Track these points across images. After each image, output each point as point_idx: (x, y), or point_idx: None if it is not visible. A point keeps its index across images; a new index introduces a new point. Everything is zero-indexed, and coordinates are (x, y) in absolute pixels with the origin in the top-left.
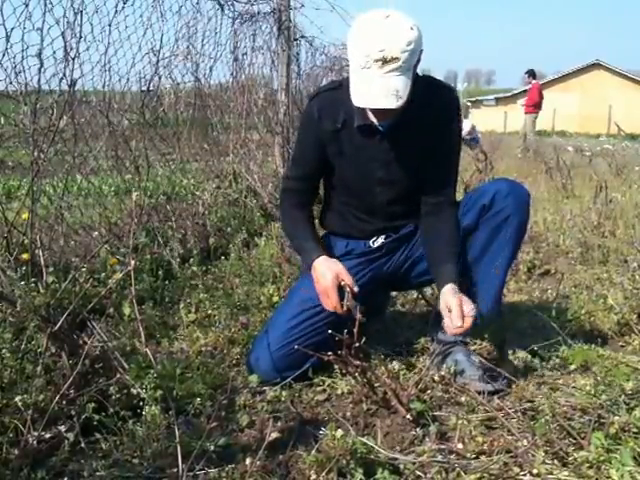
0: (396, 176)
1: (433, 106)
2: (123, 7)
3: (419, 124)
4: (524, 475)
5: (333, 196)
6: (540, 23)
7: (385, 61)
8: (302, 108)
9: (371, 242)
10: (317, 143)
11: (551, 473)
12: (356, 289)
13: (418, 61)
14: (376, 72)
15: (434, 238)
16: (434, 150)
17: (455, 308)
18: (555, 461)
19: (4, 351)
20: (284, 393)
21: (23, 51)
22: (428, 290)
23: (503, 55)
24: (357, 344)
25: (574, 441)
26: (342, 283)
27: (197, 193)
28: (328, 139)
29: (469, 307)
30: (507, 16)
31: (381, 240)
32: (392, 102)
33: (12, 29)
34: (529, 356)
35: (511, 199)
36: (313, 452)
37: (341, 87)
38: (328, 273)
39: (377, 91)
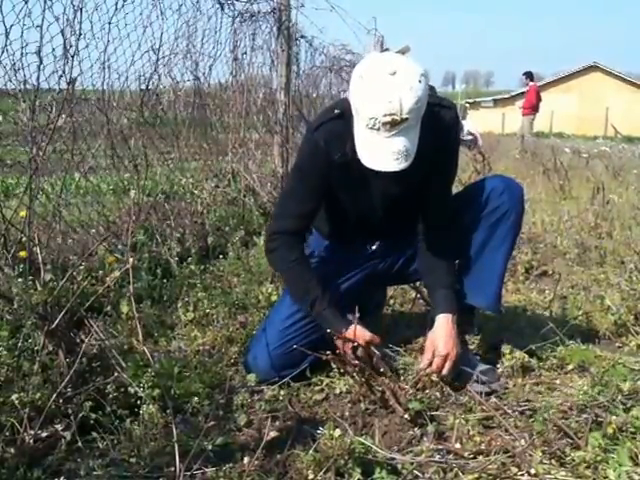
0: (396, 203)
1: (433, 130)
2: (123, 5)
3: (424, 150)
4: (522, 475)
5: (330, 214)
6: (539, 25)
7: (394, 124)
8: (301, 108)
9: (368, 246)
10: (324, 176)
11: (549, 473)
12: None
13: None
14: (384, 134)
15: (431, 261)
16: (435, 171)
17: (426, 351)
18: (553, 461)
19: (1, 349)
20: (282, 392)
21: (22, 48)
22: (426, 290)
23: (502, 57)
24: (355, 344)
25: (571, 441)
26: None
27: (196, 192)
28: (336, 171)
29: (442, 350)
30: (506, 17)
31: (377, 244)
32: (402, 163)
33: (11, 26)
34: (526, 356)
35: (506, 196)
36: (311, 451)
37: (343, 117)
38: (363, 343)
39: (386, 154)
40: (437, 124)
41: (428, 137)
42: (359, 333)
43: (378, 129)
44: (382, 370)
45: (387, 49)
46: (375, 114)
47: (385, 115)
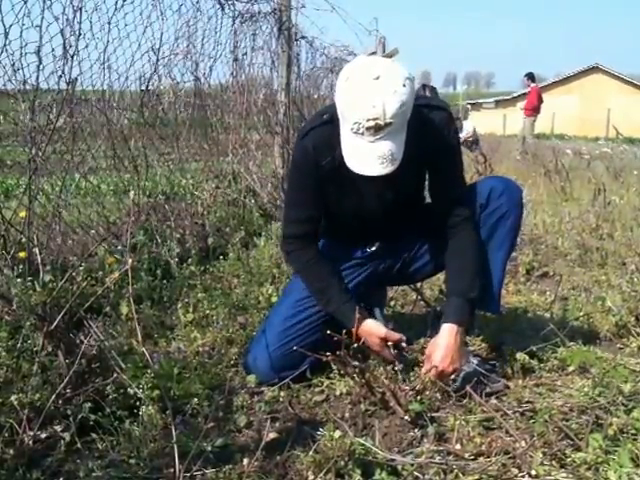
0: (393, 204)
1: (423, 132)
2: (123, 5)
3: (415, 153)
4: (522, 476)
5: (328, 216)
6: (540, 26)
7: (378, 128)
8: (302, 109)
9: (367, 248)
10: (317, 181)
11: (549, 474)
12: (402, 341)
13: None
14: (369, 138)
15: (449, 265)
16: (435, 172)
17: (426, 360)
18: (553, 462)
19: (0, 350)
20: (282, 394)
21: (22, 48)
22: (427, 291)
23: (503, 58)
24: (356, 345)
25: (572, 442)
26: (389, 344)
27: (196, 193)
28: (326, 175)
29: (439, 366)
30: (507, 19)
31: (376, 245)
32: (387, 167)
33: (10, 26)
34: (527, 357)
35: (505, 197)
36: (311, 453)
37: (332, 122)
38: (375, 339)
39: (371, 158)
40: (427, 125)
41: (418, 139)
42: (374, 329)
43: (362, 133)
44: (396, 368)
45: (374, 53)
46: (359, 119)
47: (368, 120)
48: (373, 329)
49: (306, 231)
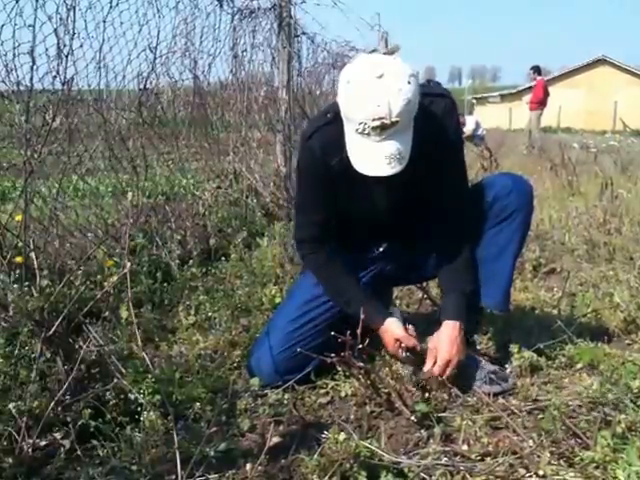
0: (401, 204)
1: (428, 124)
2: (118, 3)
3: (420, 147)
4: (530, 476)
5: (336, 217)
6: (546, 19)
7: (384, 128)
8: (304, 106)
9: (375, 248)
10: (326, 182)
11: (557, 474)
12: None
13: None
14: (375, 138)
15: (446, 263)
16: (441, 166)
17: (428, 357)
18: (561, 461)
19: None
20: (286, 396)
21: (14, 49)
22: (433, 290)
23: (508, 51)
24: (360, 346)
25: (580, 441)
26: (402, 345)
27: (197, 193)
28: (336, 175)
29: (445, 356)
30: (512, 12)
31: (384, 246)
32: (395, 167)
33: (3, 26)
34: (535, 355)
35: (514, 195)
36: (316, 456)
37: (337, 120)
38: (391, 339)
39: (379, 158)
40: (431, 116)
41: (424, 132)
42: (394, 328)
43: (368, 134)
44: (402, 370)
45: (375, 50)
46: (364, 119)
47: (374, 119)
48: (393, 328)
49: (317, 234)
